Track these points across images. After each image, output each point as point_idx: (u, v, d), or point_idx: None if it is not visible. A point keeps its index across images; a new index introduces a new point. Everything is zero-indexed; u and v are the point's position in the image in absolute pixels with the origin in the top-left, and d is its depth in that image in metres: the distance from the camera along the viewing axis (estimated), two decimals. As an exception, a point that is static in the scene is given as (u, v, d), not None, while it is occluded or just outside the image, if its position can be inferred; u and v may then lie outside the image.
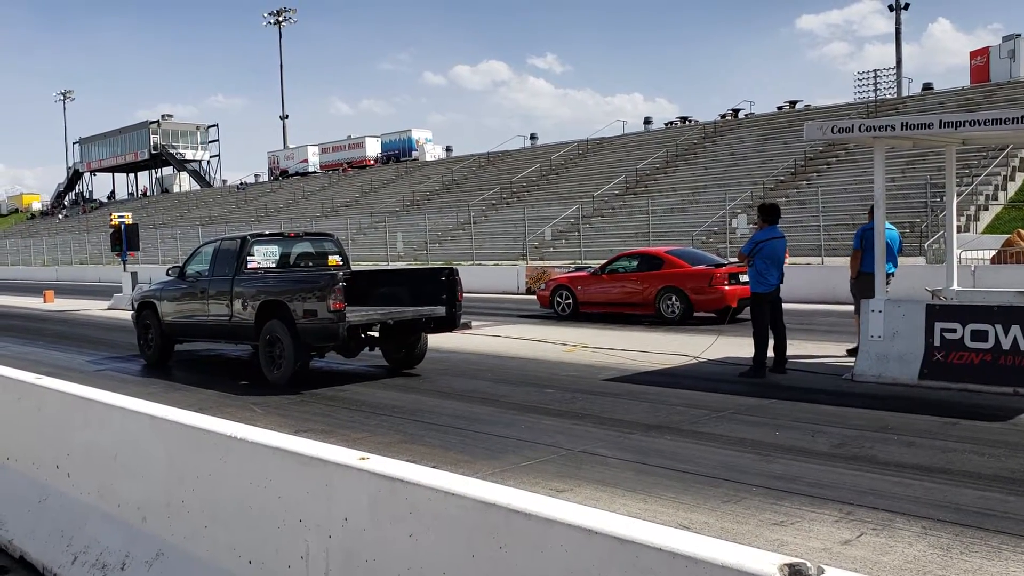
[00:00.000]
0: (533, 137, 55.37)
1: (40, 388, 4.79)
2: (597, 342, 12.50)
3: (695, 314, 14.72)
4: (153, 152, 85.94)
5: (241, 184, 73.79)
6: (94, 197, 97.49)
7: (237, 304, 10.40)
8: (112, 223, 25.02)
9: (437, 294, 10.67)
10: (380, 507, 2.78)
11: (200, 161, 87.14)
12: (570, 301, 16.56)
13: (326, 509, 2.95)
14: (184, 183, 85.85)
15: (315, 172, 68.46)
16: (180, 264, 12.40)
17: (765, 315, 9.40)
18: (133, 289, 23.07)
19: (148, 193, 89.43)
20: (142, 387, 10.03)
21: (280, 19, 78.69)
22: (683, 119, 49.24)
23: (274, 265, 11.17)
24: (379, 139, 66.51)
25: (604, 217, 35.96)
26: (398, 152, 64.03)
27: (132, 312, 12.98)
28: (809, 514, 4.82)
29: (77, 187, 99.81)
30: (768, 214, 9.72)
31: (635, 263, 16.19)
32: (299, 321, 9.46)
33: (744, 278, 12.74)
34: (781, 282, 9.53)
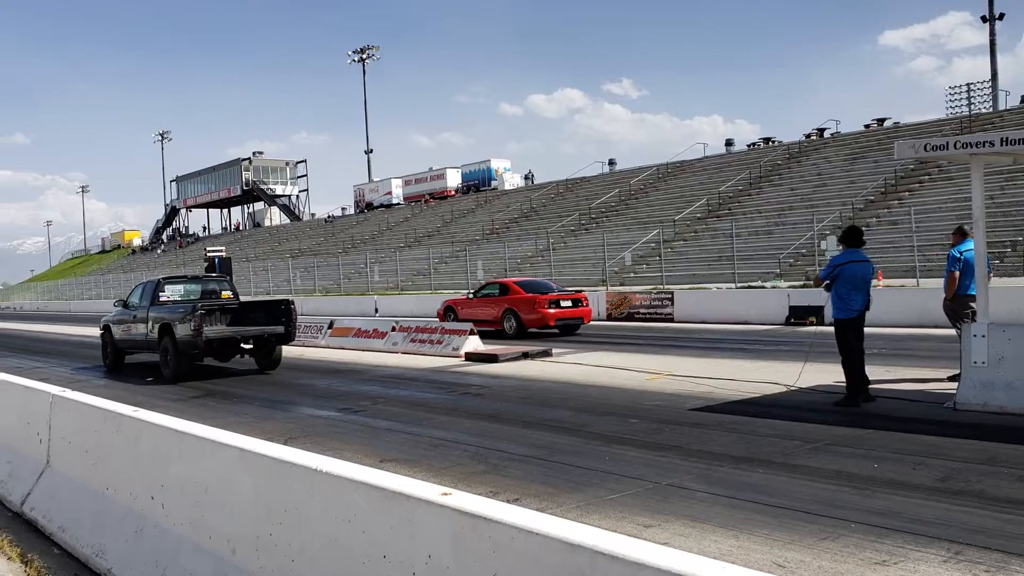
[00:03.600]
0: (611, 163, 55.22)
1: (137, 421, 4.92)
2: (682, 370, 12.25)
3: (529, 330, 19.06)
4: (245, 188, 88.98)
5: (329, 217, 75.63)
6: (190, 232, 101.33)
7: (150, 325, 14.62)
8: (207, 257, 25.87)
9: (280, 317, 14.58)
10: (463, 545, 2.73)
11: (289, 196, 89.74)
12: (452, 316, 20.83)
13: (409, 546, 2.91)
14: (275, 217, 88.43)
15: (399, 204, 69.66)
16: (124, 298, 16.69)
17: (849, 342, 9.05)
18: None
19: (241, 227, 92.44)
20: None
21: (364, 57, 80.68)
22: (766, 140, 48.37)
23: (179, 299, 15.42)
24: (459, 170, 67.31)
25: (686, 241, 35.50)
26: (478, 182, 64.66)
27: (103, 335, 16.93)
28: (914, 553, 4.55)
29: (174, 223, 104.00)
30: (848, 237, 9.41)
31: (495, 290, 20.76)
32: (177, 336, 13.68)
33: (565, 303, 18.34)
34: (867, 307, 9.13)
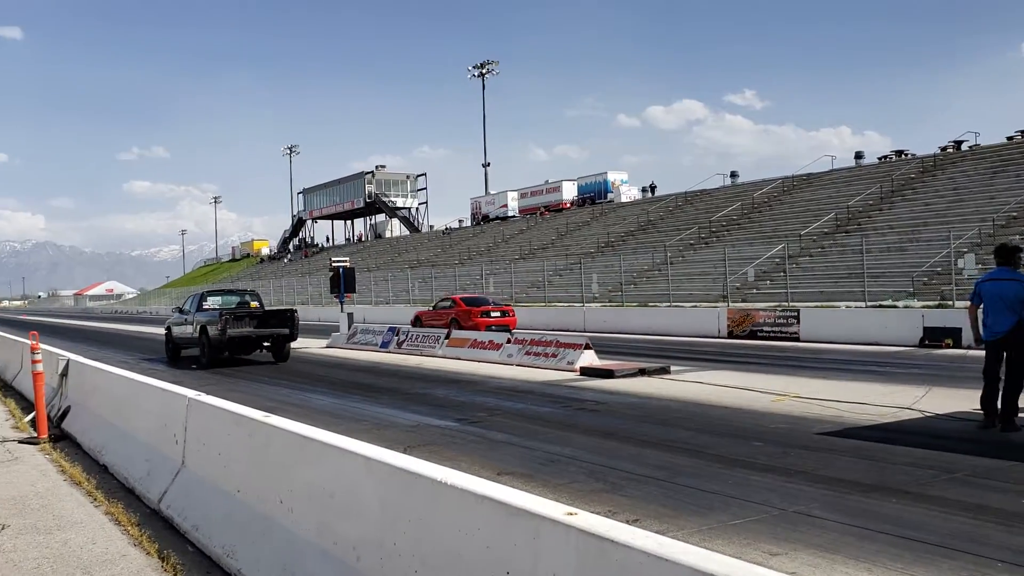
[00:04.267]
0: (733, 175, 54.06)
1: (267, 426, 5.11)
2: (809, 391, 11.83)
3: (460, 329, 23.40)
4: (368, 200, 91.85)
5: (446, 229, 77.07)
6: (315, 242, 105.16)
7: (194, 326, 19.00)
8: (332, 267, 26.72)
9: (286, 322, 19.01)
10: (588, 567, 2.69)
11: (409, 208, 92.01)
12: (419, 323, 26.68)
13: (533, 564, 2.90)
14: (395, 229, 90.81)
15: (514, 216, 70.26)
16: (180, 305, 21.65)
17: (989, 364, 8.56)
18: (349, 328, 24.52)
19: (363, 238, 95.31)
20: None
21: (484, 72, 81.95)
22: (898, 152, 46.33)
23: (217, 307, 19.64)
24: (575, 182, 67.32)
25: (813, 257, 34.34)
26: (594, 194, 64.49)
27: (167, 333, 21.24)
28: (1069, 598, 4.23)
29: (300, 233, 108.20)
30: (999, 254, 8.91)
31: (447, 303, 27.44)
32: (210, 335, 18.10)
33: (495, 314, 24.01)
34: (1017, 328, 8.51)
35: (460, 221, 78.82)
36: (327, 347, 24.48)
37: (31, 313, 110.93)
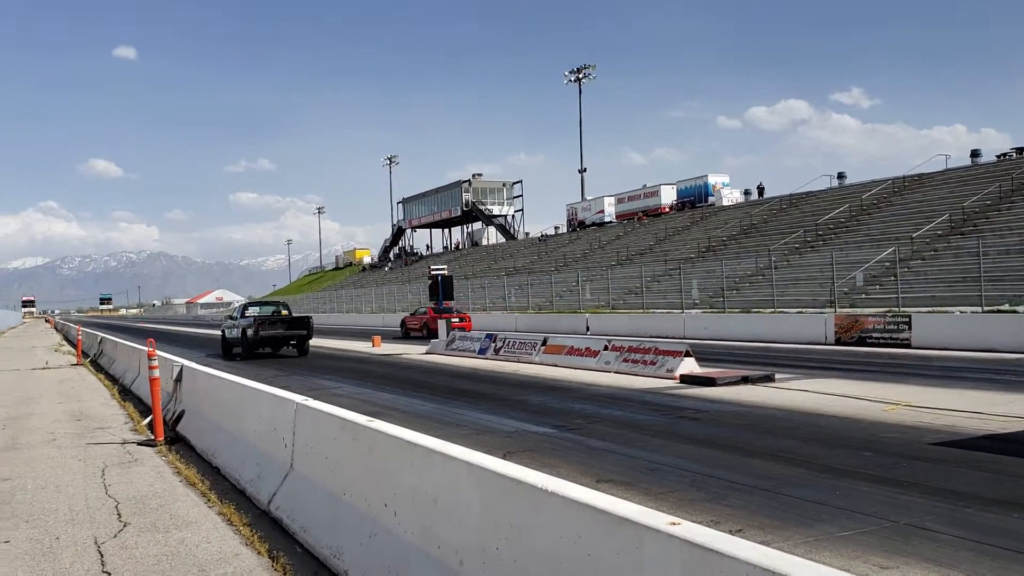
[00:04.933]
0: (840, 176, 52.41)
1: (371, 430, 5.24)
2: (921, 400, 11.38)
3: (434, 335, 27.68)
4: (465, 209, 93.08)
5: (542, 236, 77.29)
6: (414, 250, 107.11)
7: (239, 329, 24.85)
8: (431, 275, 27.20)
9: (304, 326, 24.94)
10: (693, 577, 2.68)
11: (505, 216, 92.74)
12: (403, 326, 37.13)
13: (635, 572, 2.90)
14: (492, 237, 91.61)
15: (611, 222, 69.89)
16: (230, 313, 27.81)
17: None
18: (447, 335, 24.89)
19: (460, 246, 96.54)
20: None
21: (580, 76, 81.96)
22: (1019, 150, 44.05)
23: (260, 313, 26.09)
24: (674, 186, 66.48)
25: (925, 260, 32.98)
26: (694, 198, 63.55)
27: (224, 334, 26.97)
28: None
29: (400, 242, 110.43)
30: None
31: (423, 311, 35.97)
32: (248, 336, 23.82)
33: (455, 320, 29.85)
34: None
35: (556, 228, 78.95)
36: (426, 353, 24.90)
37: (144, 321, 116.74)
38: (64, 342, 40.70)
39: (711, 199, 61.82)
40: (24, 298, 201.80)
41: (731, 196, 61.19)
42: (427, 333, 33.23)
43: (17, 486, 7.67)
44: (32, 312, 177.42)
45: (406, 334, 37.11)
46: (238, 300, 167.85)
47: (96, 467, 8.47)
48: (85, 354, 26.74)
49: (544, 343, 20.33)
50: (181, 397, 11.31)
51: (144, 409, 12.69)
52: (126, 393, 15.83)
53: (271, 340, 25.04)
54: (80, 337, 28.97)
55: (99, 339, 27.93)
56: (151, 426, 10.43)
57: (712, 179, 63.71)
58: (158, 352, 11.08)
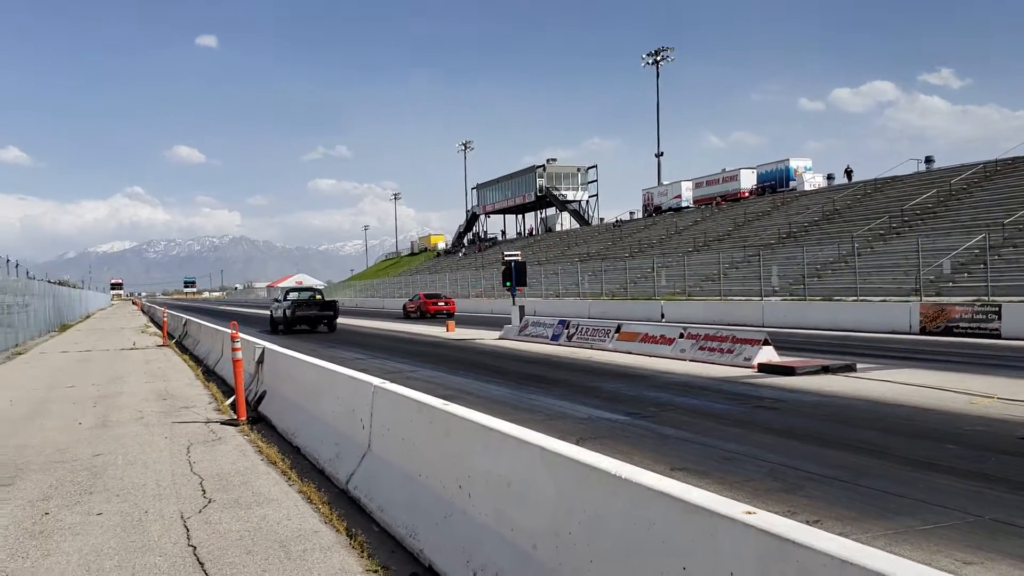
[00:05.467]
0: (928, 160, 50.67)
1: (447, 414, 5.33)
2: (1011, 393, 10.98)
3: (424, 316, 43.01)
4: (539, 194, 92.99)
5: (617, 222, 76.76)
6: (488, 236, 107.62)
7: (281, 310, 31.11)
8: (504, 261, 27.31)
9: (332, 308, 31.94)
10: (768, 568, 2.66)
11: (580, 201, 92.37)
12: (404, 308, 47.42)
13: (711, 561, 2.90)
14: (565, 222, 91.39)
15: (688, 207, 68.98)
16: (277, 296, 35.86)
17: None
18: (521, 320, 25.00)
19: (534, 232, 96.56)
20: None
21: (658, 59, 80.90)
22: (1123, 131, 41.86)
23: (298, 298, 32.08)
24: (754, 170, 65.19)
25: (1017, 247, 31.67)
26: (774, 183, 62.22)
27: (271, 315, 33.28)
28: None
29: (474, 228, 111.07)
30: None
31: (417, 297, 46.78)
32: (287, 315, 30.48)
33: (440, 303, 44.28)
34: None
35: (631, 213, 78.32)
36: (500, 339, 25.06)
37: (225, 303, 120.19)
38: (150, 324, 42.26)
39: (792, 183, 60.44)
40: (112, 280, 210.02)
41: (813, 181, 59.72)
42: (420, 314, 44.81)
43: (108, 462, 8.03)
44: (120, 294, 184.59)
45: (407, 315, 46.72)
46: (318, 284, 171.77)
47: (182, 445, 8.80)
48: (170, 335, 27.72)
49: (618, 330, 20.25)
50: (263, 378, 11.65)
51: (227, 389, 13.11)
52: (209, 374, 16.37)
53: (305, 319, 31.50)
54: (165, 319, 30.01)
55: (184, 321, 28.91)
56: (234, 406, 10.77)
57: (794, 163, 62.26)
58: (241, 334, 11.41)
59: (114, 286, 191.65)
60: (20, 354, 22.63)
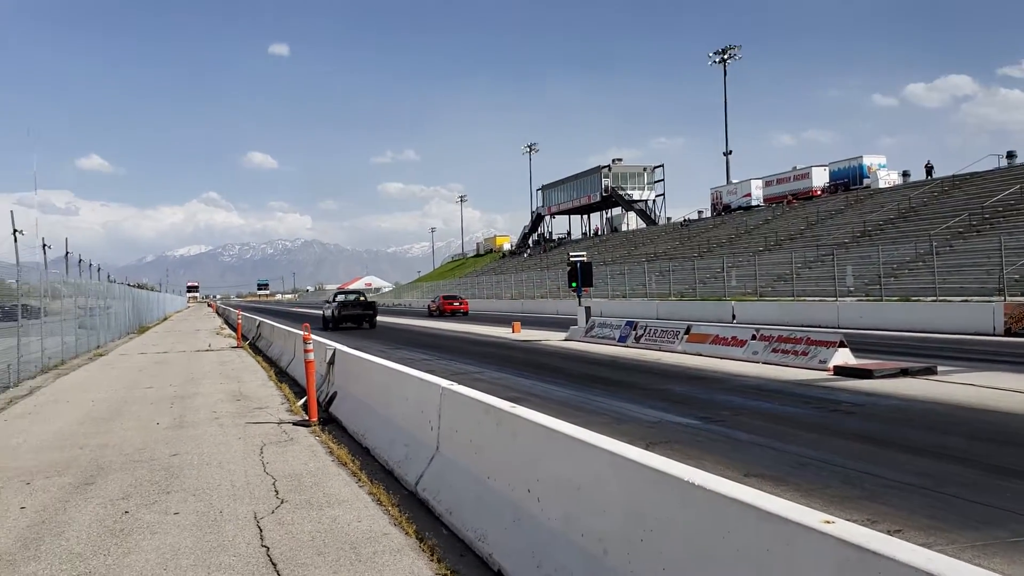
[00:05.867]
0: (1010, 155, 48.89)
1: (514, 416, 5.32)
2: (1105, 398, 10.49)
3: (443, 314, 51.81)
4: (604, 194, 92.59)
5: (685, 221, 75.92)
6: (553, 237, 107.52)
7: (330, 310, 37.99)
8: (570, 262, 27.22)
9: (373, 309, 38.09)
10: (849, 578, 2.58)
11: (646, 200, 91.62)
12: (429, 308, 58.06)
13: (788, 572, 2.82)
14: (631, 222, 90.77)
15: (758, 206, 67.84)
16: (327, 299, 43.34)
17: None
18: (587, 321, 24.90)
19: (599, 232, 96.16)
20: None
21: (725, 57, 79.87)
22: None
23: (344, 299, 38.60)
24: (826, 168, 63.78)
25: (1109, 245, 30.32)
26: (847, 180, 60.77)
27: (323, 314, 39.34)
28: None
29: (539, 228, 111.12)
30: None
31: (438, 297, 56.94)
32: (334, 314, 37.07)
33: (456, 303, 53.64)
34: None
35: (699, 212, 77.36)
36: (565, 340, 25.00)
37: (297, 305, 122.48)
38: (225, 325, 43.33)
39: (866, 181, 58.97)
40: (189, 283, 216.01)
41: (888, 178, 58.17)
42: (440, 313, 53.52)
43: (185, 462, 8.23)
44: (196, 297, 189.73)
45: (429, 313, 56.06)
46: (386, 285, 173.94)
47: (255, 445, 8.97)
48: (244, 337, 28.37)
49: (687, 331, 19.99)
50: (333, 379, 11.83)
51: (299, 390, 13.35)
52: (282, 375, 16.69)
53: (350, 317, 37.42)
54: (240, 321, 30.71)
55: (257, 323, 29.57)
56: (305, 407, 10.95)
57: (867, 160, 60.76)
58: (313, 336, 11.59)
59: (190, 289, 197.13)
60: (101, 355, 23.42)
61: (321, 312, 40.95)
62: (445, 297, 56.36)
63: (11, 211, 34.84)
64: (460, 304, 53.73)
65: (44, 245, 42.66)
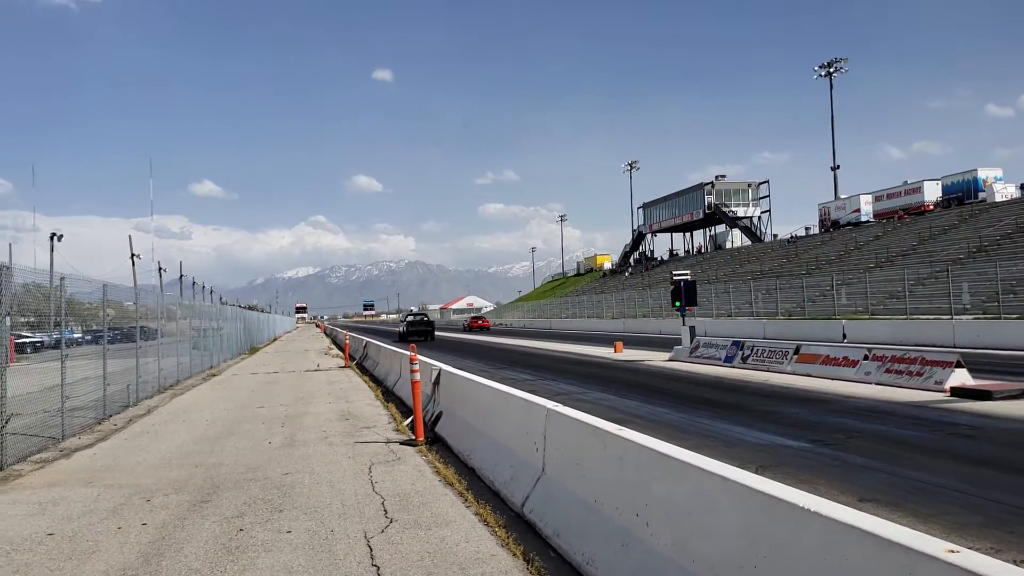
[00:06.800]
0: None
1: (621, 439, 5.29)
2: None
3: (472, 330, 71.20)
4: (707, 212, 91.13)
5: (791, 238, 73.96)
6: (655, 256, 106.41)
7: (402, 327, 53.89)
8: (673, 280, 26.89)
9: (431, 326, 53.75)
10: (977, 613, 2.46)
11: (751, 217, 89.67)
12: (464, 325, 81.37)
13: (911, 603, 2.71)
14: (736, 239, 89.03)
15: (868, 221, 65.55)
16: (401, 318, 69.67)
17: None
18: (691, 341, 24.53)
19: (702, 250, 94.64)
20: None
21: (831, 71, 77.88)
22: None
23: (411, 319, 55.91)
24: (939, 182, 61.18)
25: None
26: (961, 194, 58.15)
27: (399, 330, 55.62)
28: None
29: (640, 247, 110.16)
30: None
31: (469, 315, 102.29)
32: (404, 329, 52.09)
33: (479, 321, 77.92)
34: None
35: (806, 228, 75.25)
36: (669, 360, 24.65)
37: (399, 325, 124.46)
38: (332, 346, 44.51)
39: (981, 195, 56.28)
40: (297, 304, 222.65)
41: (1005, 191, 55.37)
42: (466, 328, 74.76)
43: (296, 480, 8.47)
44: (304, 317, 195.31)
45: (463, 329, 74.61)
46: (487, 305, 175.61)
47: (363, 464, 9.17)
48: (351, 357, 29.08)
49: (796, 351, 19.44)
50: (439, 399, 12.00)
51: (405, 410, 13.58)
52: (388, 394, 17.01)
53: (415, 332, 49.87)
54: (348, 341, 31.51)
55: (364, 343, 30.26)
56: (412, 426, 11.14)
57: (982, 173, 58.06)
58: (419, 356, 11.79)
59: (299, 310, 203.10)
60: (215, 375, 24.38)
61: (399, 327, 57.60)
62: (473, 317, 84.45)
63: (129, 236, 36.45)
64: (483, 322, 76.70)
65: (160, 268, 44.72)
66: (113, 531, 6.68)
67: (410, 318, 56.68)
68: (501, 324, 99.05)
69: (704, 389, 17.02)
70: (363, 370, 24.57)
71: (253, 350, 41.73)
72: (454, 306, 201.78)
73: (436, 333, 56.08)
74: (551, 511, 6.25)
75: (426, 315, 62.25)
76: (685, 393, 16.36)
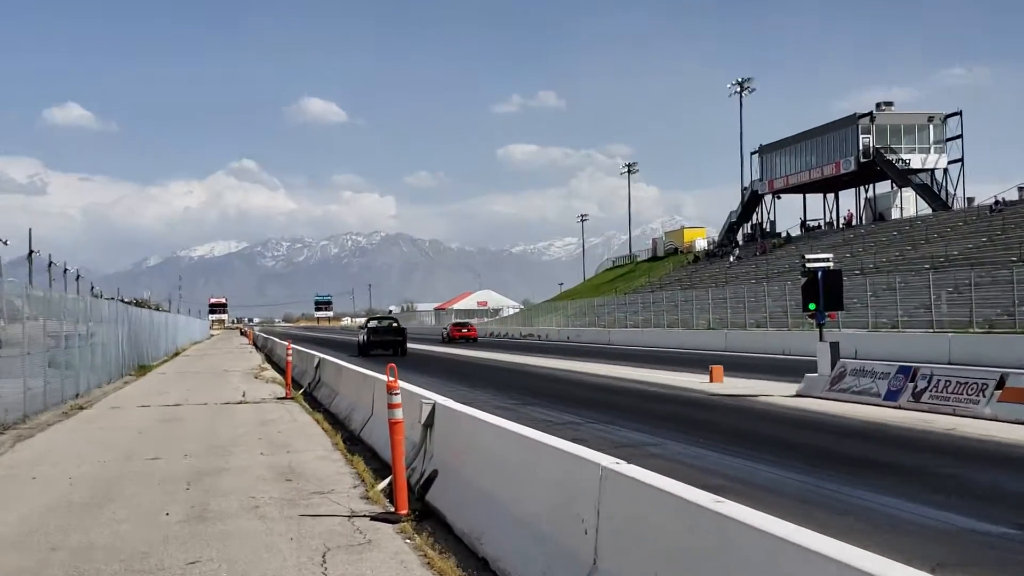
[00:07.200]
0: None
1: (722, 517, 5.30)
2: None
3: (453, 340, 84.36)
4: (862, 160, 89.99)
5: (997, 204, 73.27)
6: (776, 229, 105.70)
7: (362, 336, 62.82)
8: (806, 271, 26.53)
9: (401, 335, 59.55)
10: None
11: (933, 170, 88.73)
12: (444, 335, 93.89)
13: None
14: (907, 205, 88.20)
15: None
16: (360, 326, 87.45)
17: None
18: (832, 366, 24.37)
19: (853, 222, 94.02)
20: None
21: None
22: None
23: (375, 326, 64.08)
24: None
25: None
26: None
27: (358, 340, 64.14)
28: None
29: (754, 216, 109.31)
30: None
31: (456, 322, 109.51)
32: (364, 339, 60.75)
33: (464, 329, 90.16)
34: None
35: (1020, 190, 74.64)
36: (797, 396, 24.57)
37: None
38: (267, 364, 44.85)
39: None
40: (212, 300, 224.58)
41: None
42: (450, 339, 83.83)
43: (207, 573, 8.51)
44: (223, 320, 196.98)
45: (443, 340, 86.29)
46: (510, 304, 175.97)
47: (314, 551, 9.19)
48: (296, 383, 29.21)
49: (1000, 384, 19.34)
50: (432, 450, 12.02)
51: (380, 466, 13.67)
52: (354, 441, 17.10)
53: (379, 343, 56.45)
54: (290, 358, 31.53)
55: (316, 362, 30.33)
56: (390, 492, 11.17)
57: None
58: (401, 383, 11.75)
59: (214, 308, 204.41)
60: (83, 408, 24.49)
61: (357, 339, 63.51)
62: (454, 324, 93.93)
63: None
64: (469, 331, 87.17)
65: (-2, 240, 44.28)
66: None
67: (372, 324, 63.40)
68: (532, 334, 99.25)
69: (852, 442, 17.05)
70: (315, 403, 24.70)
71: (144, 370, 41.91)
72: (458, 305, 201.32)
73: (411, 346, 61.39)
74: (609, 628, 6.29)
75: (395, 320, 67.14)
76: (821, 446, 16.40)
